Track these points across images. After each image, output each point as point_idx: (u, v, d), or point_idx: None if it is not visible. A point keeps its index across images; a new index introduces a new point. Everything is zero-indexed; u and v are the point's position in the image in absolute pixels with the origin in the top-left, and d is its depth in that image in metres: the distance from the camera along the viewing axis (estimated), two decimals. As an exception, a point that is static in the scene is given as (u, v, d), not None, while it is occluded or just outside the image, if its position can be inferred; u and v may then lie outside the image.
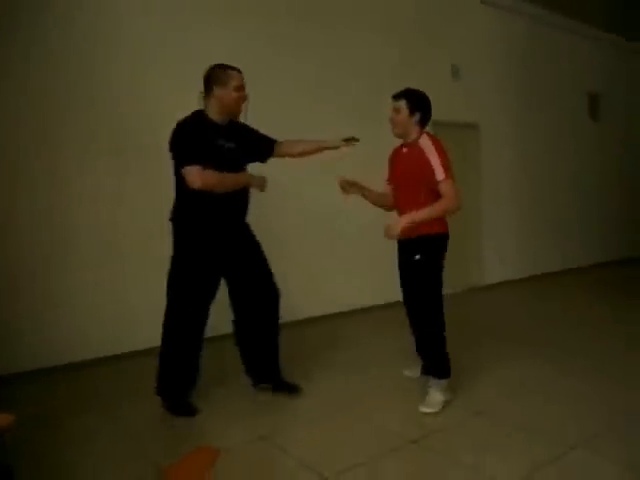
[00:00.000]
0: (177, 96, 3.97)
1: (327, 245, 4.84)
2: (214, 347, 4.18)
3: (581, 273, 7.22)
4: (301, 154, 3.10)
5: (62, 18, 3.62)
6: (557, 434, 2.45)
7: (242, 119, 2.91)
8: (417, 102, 2.79)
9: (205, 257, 2.77)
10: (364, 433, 2.56)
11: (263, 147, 3.01)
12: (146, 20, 3.92)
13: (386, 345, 3.96)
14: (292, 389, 3.04)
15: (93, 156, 3.73)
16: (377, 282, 4.93)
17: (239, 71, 2.77)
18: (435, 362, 2.83)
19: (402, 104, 2.78)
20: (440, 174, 2.65)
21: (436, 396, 2.78)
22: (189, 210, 2.75)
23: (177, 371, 2.82)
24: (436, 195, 2.71)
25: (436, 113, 5.85)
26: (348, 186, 2.96)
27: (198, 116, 2.74)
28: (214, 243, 2.78)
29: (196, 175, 2.57)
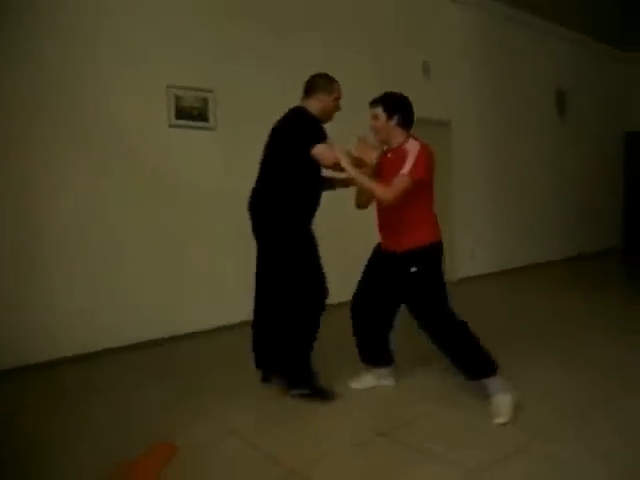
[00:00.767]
0: (144, 97, 3.97)
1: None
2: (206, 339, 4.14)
3: (553, 266, 7.37)
4: None
5: (45, 18, 3.56)
6: (527, 423, 2.49)
7: None
8: (393, 105, 2.71)
9: (307, 239, 2.88)
10: (333, 427, 2.57)
11: None
12: (126, 21, 3.88)
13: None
14: (327, 395, 2.91)
15: (64, 156, 3.66)
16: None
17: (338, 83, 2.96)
18: (474, 363, 2.62)
19: (379, 110, 2.71)
20: (405, 169, 2.55)
21: (501, 401, 2.53)
22: (285, 202, 2.82)
23: (308, 358, 2.88)
24: (425, 203, 2.69)
25: (407, 109, 5.86)
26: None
27: (311, 113, 2.86)
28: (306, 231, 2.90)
29: (330, 156, 2.70)
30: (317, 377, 2.90)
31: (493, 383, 2.58)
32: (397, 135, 2.72)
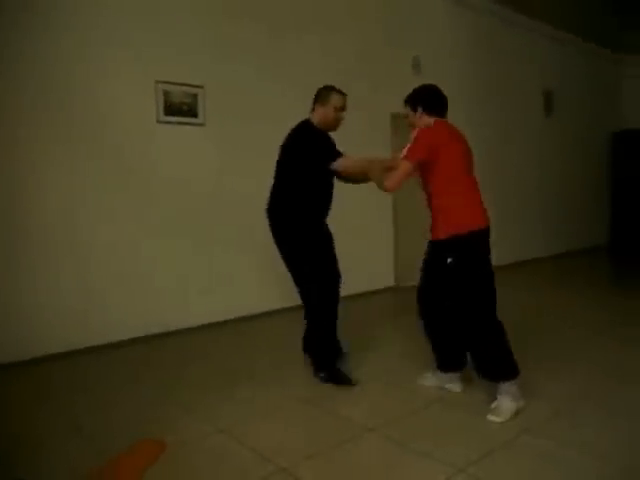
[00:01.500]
0: (132, 93, 3.94)
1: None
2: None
3: (540, 263, 7.44)
4: None
5: (42, 17, 3.53)
6: (515, 418, 2.51)
7: None
8: (415, 98, 2.82)
9: (317, 237, 3.10)
10: (322, 423, 2.58)
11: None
12: (115, 16, 3.84)
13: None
14: (346, 381, 3.09)
15: (51, 155, 3.63)
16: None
17: (342, 93, 3.12)
18: (498, 365, 2.58)
19: (407, 109, 2.85)
20: (402, 152, 2.63)
21: (507, 403, 2.54)
22: (298, 208, 3.05)
23: (332, 342, 3.14)
24: (454, 185, 2.62)
25: (397, 106, 5.95)
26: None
27: (315, 126, 3.08)
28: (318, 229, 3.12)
29: (347, 165, 2.97)
30: (342, 360, 3.21)
31: (506, 388, 2.56)
32: (426, 123, 2.76)
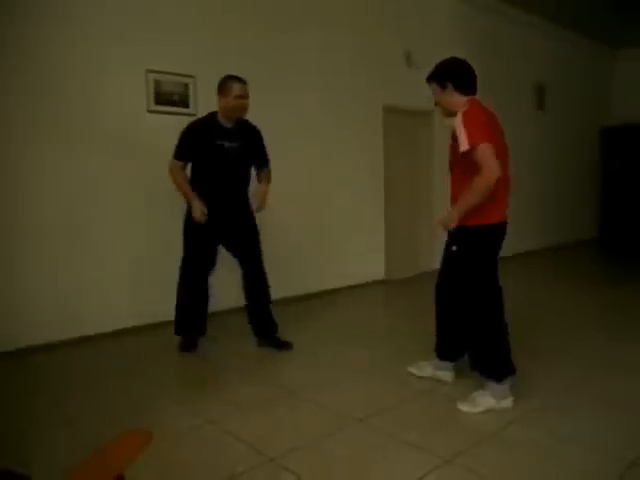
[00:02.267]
0: (122, 82, 3.90)
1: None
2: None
3: (532, 257, 7.48)
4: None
5: (34, 8, 3.47)
6: (504, 410, 2.53)
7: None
8: (443, 74, 2.57)
9: (196, 228, 3.34)
10: (311, 414, 2.59)
11: (257, 161, 3.53)
12: (103, 2, 3.80)
13: (334, 326, 4.01)
14: (283, 345, 3.52)
15: (39, 142, 3.57)
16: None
17: (241, 81, 3.28)
18: (488, 362, 2.57)
19: (433, 85, 2.62)
20: (464, 144, 2.34)
21: (484, 398, 2.54)
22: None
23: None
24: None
25: (389, 99, 5.96)
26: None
27: (207, 118, 3.38)
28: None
29: (171, 168, 3.40)
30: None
31: (494, 387, 2.55)
32: (457, 102, 2.54)
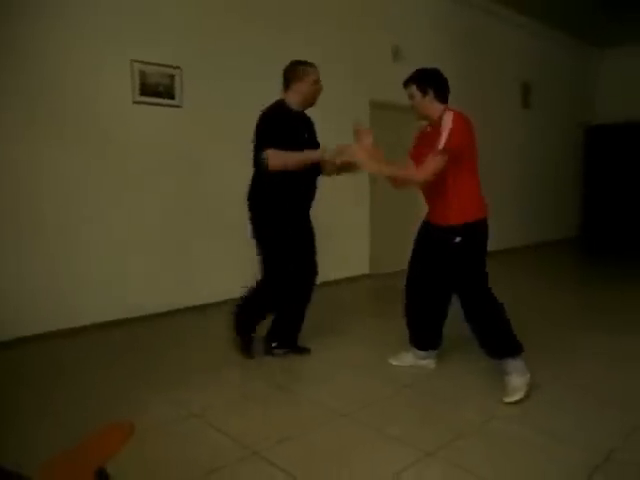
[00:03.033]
0: (106, 72, 3.85)
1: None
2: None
3: (513, 254, 7.57)
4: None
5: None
6: (487, 404, 2.58)
7: None
8: (425, 80, 2.73)
9: (286, 229, 3.03)
10: (295, 408, 2.61)
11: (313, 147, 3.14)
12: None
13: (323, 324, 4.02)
14: (304, 350, 3.33)
15: (23, 134, 3.52)
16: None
17: (314, 65, 3.03)
18: (503, 342, 2.66)
19: (413, 89, 2.74)
20: (440, 144, 2.53)
21: (516, 380, 2.62)
22: (266, 192, 2.99)
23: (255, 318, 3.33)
24: (468, 175, 2.70)
25: (375, 93, 5.94)
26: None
27: (281, 106, 3.00)
28: (288, 220, 3.03)
29: (271, 156, 2.85)
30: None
31: (513, 364, 2.65)
32: (435, 109, 2.72)
